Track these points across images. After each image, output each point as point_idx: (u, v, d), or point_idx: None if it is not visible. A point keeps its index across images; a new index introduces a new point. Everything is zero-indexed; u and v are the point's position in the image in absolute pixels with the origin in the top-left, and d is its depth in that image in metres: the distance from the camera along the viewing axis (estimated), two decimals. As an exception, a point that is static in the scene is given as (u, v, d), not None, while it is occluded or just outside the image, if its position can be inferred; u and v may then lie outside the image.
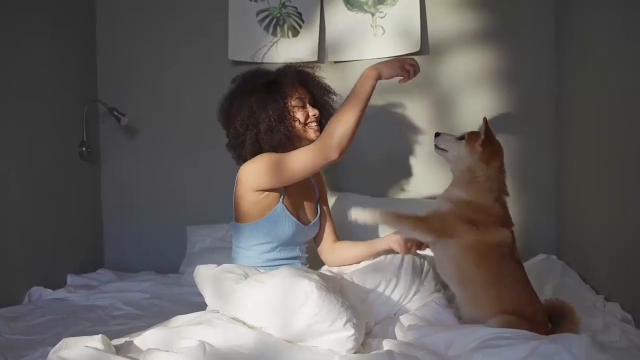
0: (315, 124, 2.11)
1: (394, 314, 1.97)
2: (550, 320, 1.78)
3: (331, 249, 2.26)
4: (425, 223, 1.82)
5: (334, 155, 1.86)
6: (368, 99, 1.89)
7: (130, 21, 3.20)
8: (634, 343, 1.65)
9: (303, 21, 2.99)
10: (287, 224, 2.05)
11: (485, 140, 1.84)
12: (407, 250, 2.03)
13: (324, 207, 2.31)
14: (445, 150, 1.96)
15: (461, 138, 1.92)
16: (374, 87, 1.89)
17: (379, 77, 1.90)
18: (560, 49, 2.77)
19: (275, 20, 3.01)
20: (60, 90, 2.91)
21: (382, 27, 2.92)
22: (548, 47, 2.83)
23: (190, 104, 3.15)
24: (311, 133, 2.10)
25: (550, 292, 2.08)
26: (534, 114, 2.86)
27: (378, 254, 2.10)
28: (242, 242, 2.09)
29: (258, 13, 3.02)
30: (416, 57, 2.85)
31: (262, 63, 2.96)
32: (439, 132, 2.02)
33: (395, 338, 1.79)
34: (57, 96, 2.88)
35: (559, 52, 2.78)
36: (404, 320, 1.88)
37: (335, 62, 2.98)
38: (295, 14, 3.00)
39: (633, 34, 1.95)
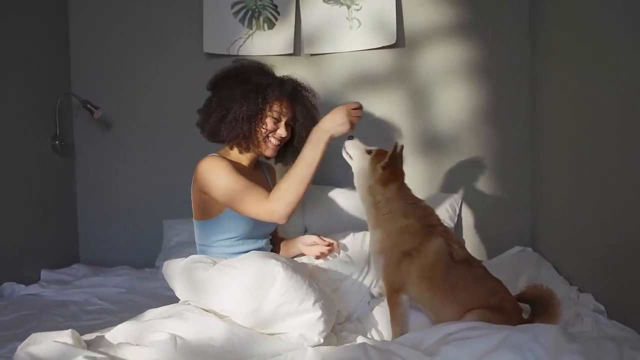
0: (277, 142, 2.07)
1: (368, 303, 2.01)
2: (531, 305, 1.78)
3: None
4: (390, 300, 1.81)
5: (281, 221, 1.88)
6: (319, 164, 1.86)
7: (104, 12, 3.15)
8: (605, 333, 1.67)
9: (278, 13, 2.97)
10: (245, 217, 1.99)
11: (388, 164, 1.84)
12: (316, 256, 2.10)
13: None
14: (351, 158, 1.96)
15: (369, 152, 1.92)
16: (325, 151, 1.86)
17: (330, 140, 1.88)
18: (535, 42, 2.78)
19: (250, 12, 2.98)
20: (32, 82, 2.86)
21: (358, 20, 2.91)
22: (523, 40, 2.84)
23: (165, 96, 3.11)
24: (264, 147, 2.07)
25: (525, 283, 2.09)
26: (509, 106, 2.88)
27: (294, 255, 2.20)
28: (205, 240, 2.07)
29: (233, 5, 2.99)
30: (392, 50, 2.92)
31: (238, 56, 2.94)
32: (352, 136, 1.96)
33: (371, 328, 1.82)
34: (29, 89, 2.83)
35: (534, 45, 2.79)
36: (377, 313, 1.90)
37: (312, 54, 2.97)
38: (270, 6, 2.97)
39: (607, 29, 1.96)
